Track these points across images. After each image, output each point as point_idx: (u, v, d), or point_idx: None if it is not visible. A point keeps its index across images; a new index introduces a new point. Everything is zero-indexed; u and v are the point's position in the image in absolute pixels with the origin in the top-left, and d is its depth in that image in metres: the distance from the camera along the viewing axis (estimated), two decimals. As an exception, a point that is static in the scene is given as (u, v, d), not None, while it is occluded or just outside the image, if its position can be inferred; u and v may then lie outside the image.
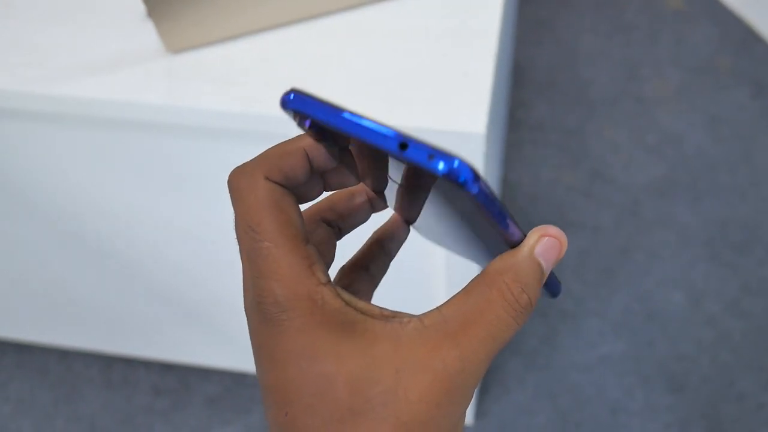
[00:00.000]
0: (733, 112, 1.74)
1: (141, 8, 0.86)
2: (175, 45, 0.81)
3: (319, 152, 0.30)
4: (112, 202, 0.97)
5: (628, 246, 1.53)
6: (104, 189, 0.95)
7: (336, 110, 0.26)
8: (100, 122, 0.84)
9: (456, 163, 0.24)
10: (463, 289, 0.29)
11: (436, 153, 0.24)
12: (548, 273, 0.30)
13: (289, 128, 0.78)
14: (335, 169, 0.31)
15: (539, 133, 1.73)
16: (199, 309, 1.17)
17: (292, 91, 0.27)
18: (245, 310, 0.30)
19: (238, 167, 0.30)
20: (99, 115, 0.82)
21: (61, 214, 1.01)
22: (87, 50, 0.83)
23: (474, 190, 0.25)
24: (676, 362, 1.38)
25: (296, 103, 0.27)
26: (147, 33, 0.83)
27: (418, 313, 0.29)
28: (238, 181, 0.29)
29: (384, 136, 0.25)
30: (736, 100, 1.76)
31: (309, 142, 0.30)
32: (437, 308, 0.28)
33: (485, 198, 0.25)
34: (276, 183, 0.29)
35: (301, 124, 0.28)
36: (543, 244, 0.29)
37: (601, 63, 1.86)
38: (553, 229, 0.29)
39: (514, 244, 0.29)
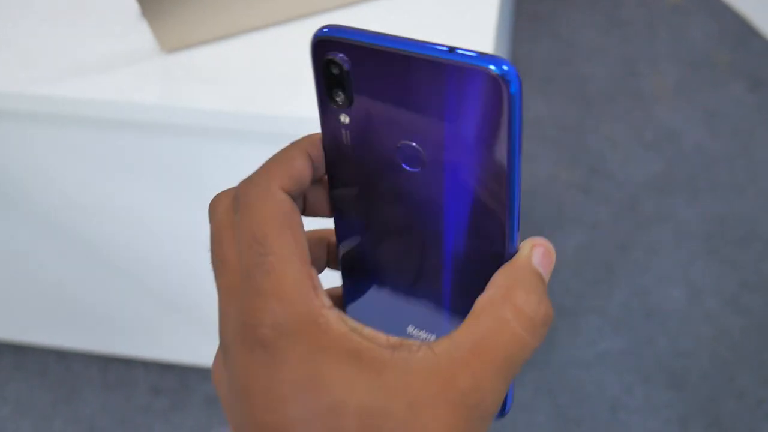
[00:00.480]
0: (731, 108, 1.73)
1: (135, 8, 0.86)
2: (169, 44, 0.80)
3: (319, 153, 0.29)
4: (108, 201, 0.96)
5: (627, 242, 1.53)
6: (100, 189, 0.95)
7: (377, 32, 0.26)
8: (95, 122, 0.84)
9: (507, 66, 0.24)
10: (471, 313, 0.27)
11: (486, 54, 0.24)
12: (546, 284, 0.28)
13: (284, 127, 0.78)
14: (315, 189, 0.31)
15: (537, 129, 1.73)
16: (197, 309, 1.16)
17: (326, 26, 0.26)
18: (223, 343, 0.27)
19: (247, 179, 0.28)
20: (94, 116, 0.81)
21: (58, 214, 1.00)
22: (81, 51, 0.83)
23: (517, 100, 0.24)
24: (675, 359, 1.38)
25: (335, 30, 0.26)
26: (141, 33, 0.83)
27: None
28: (247, 193, 0.27)
29: (432, 44, 0.25)
30: (734, 95, 1.75)
31: (310, 142, 0.29)
32: (447, 336, 0.26)
33: (519, 123, 0.24)
34: (288, 195, 0.27)
35: (324, 65, 0.27)
36: (538, 253, 0.28)
37: (598, 59, 1.86)
38: (541, 239, 0.28)
39: (505, 256, 0.27)
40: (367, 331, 0.26)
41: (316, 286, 0.26)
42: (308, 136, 0.29)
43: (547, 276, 0.28)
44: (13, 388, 1.40)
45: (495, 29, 0.81)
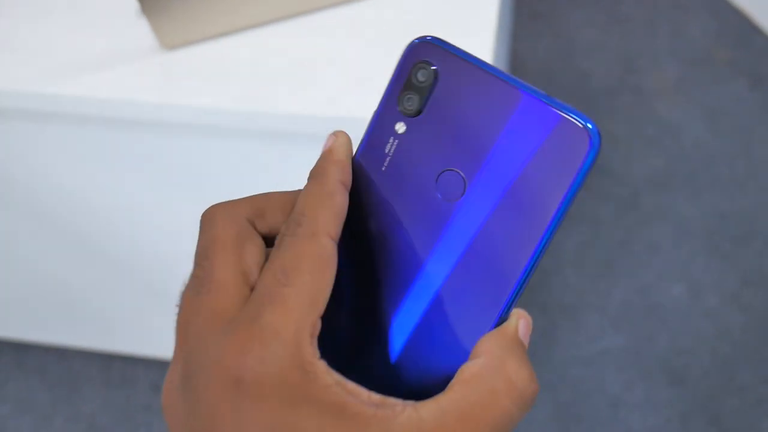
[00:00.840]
0: (731, 104, 1.73)
1: (134, 5, 0.85)
2: (169, 41, 0.80)
3: (348, 178, 0.28)
4: (108, 200, 0.96)
5: (628, 239, 1.53)
6: (100, 187, 0.94)
7: (477, 56, 0.27)
8: (95, 120, 0.84)
9: (592, 126, 0.24)
10: (459, 377, 0.26)
11: (580, 111, 0.25)
12: None
13: (286, 124, 0.78)
14: None
15: (537, 127, 1.72)
16: (197, 307, 1.16)
17: (430, 35, 0.27)
18: (188, 368, 0.26)
19: (293, 219, 0.27)
20: (94, 114, 0.81)
21: (59, 212, 1.00)
22: (81, 48, 0.82)
23: (590, 162, 0.24)
24: (676, 356, 1.38)
25: (439, 40, 0.27)
26: (141, 30, 0.83)
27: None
28: (294, 233, 0.26)
29: (530, 85, 0.26)
30: (734, 92, 1.75)
31: (339, 168, 0.28)
32: (434, 399, 0.25)
33: (579, 185, 0.24)
34: (332, 241, 0.26)
35: (415, 68, 0.27)
36: (523, 325, 0.27)
37: (598, 55, 1.86)
38: (524, 311, 0.28)
39: (496, 319, 0.27)
40: (351, 385, 0.25)
41: (314, 334, 0.25)
42: (334, 162, 0.28)
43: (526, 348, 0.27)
44: (13, 386, 1.40)
45: (495, 27, 0.81)
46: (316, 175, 0.28)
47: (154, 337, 1.27)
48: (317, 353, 0.25)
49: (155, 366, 1.41)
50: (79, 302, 1.20)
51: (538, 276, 1.48)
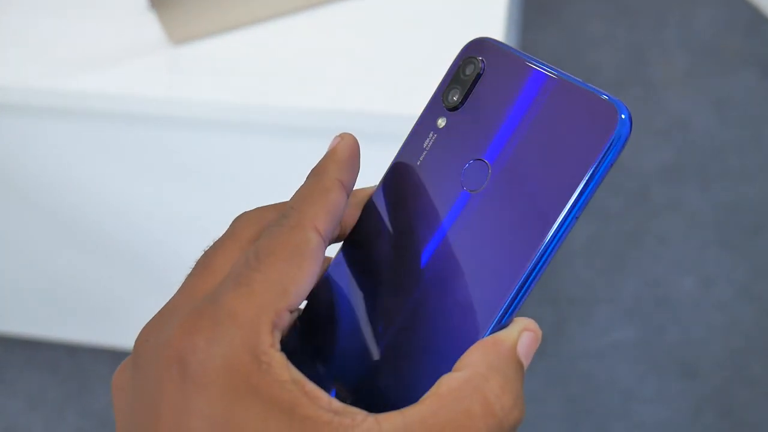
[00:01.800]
0: (741, 95, 1.72)
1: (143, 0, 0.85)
2: (178, 36, 0.80)
3: (350, 176, 0.27)
4: (117, 195, 0.96)
5: (638, 231, 1.53)
6: (109, 183, 0.94)
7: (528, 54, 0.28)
8: (103, 116, 0.84)
9: (626, 116, 0.24)
10: (434, 388, 0.23)
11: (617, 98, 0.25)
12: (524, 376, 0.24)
13: (295, 119, 0.78)
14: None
15: (546, 120, 1.72)
16: (207, 302, 1.16)
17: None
18: (142, 348, 0.24)
19: (282, 214, 0.26)
20: (103, 109, 0.81)
21: (67, 209, 1.00)
22: (89, 43, 0.82)
23: (616, 151, 0.24)
24: (687, 348, 1.38)
25: (495, 41, 0.28)
26: (150, 25, 0.83)
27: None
28: (279, 226, 0.25)
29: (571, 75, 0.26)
30: (744, 82, 1.74)
31: (340, 166, 0.27)
32: (401, 411, 0.23)
33: (604, 172, 0.24)
34: (319, 236, 0.25)
35: (463, 63, 0.28)
36: (526, 340, 0.24)
37: (607, 47, 1.85)
38: (533, 323, 0.25)
39: (494, 323, 0.24)
40: (310, 387, 0.23)
41: (278, 325, 0.23)
42: (335, 161, 0.27)
43: (526, 367, 0.25)
44: (24, 383, 1.41)
45: (505, 19, 0.81)
46: (314, 173, 0.27)
47: (165, 332, 1.27)
48: (277, 345, 0.23)
49: (165, 362, 1.41)
50: (90, 299, 1.20)
51: (547, 269, 1.47)
